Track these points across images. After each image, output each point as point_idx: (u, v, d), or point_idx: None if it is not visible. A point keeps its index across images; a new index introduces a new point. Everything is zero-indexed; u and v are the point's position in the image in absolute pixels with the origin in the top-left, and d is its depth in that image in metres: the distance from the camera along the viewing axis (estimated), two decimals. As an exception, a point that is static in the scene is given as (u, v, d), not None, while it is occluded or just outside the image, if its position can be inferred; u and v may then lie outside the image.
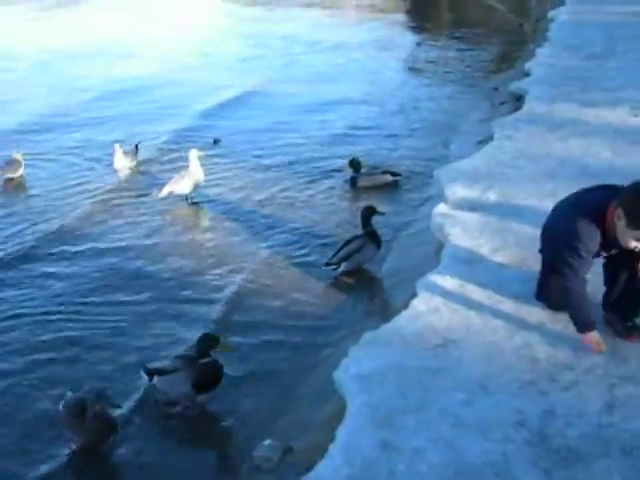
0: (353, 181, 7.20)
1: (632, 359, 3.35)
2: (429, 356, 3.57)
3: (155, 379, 4.13)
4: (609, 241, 3.39)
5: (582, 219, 3.38)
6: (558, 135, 6.62)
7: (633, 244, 3.29)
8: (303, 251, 5.96)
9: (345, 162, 7.35)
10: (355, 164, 7.19)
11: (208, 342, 4.06)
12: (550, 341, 3.56)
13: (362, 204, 6.09)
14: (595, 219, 3.37)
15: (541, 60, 10.22)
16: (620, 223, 3.27)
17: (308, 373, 4.40)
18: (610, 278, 3.63)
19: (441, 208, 5.45)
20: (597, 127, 6.79)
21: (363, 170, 7.22)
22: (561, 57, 10.25)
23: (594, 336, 3.42)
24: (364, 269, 5.55)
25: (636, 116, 6.89)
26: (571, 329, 3.59)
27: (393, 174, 7.25)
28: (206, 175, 7.21)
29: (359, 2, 21.11)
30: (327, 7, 20.75)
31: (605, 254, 3.52)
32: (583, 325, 3.46)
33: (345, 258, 5.42)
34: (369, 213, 5.57)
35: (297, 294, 5.28)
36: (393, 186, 7.22)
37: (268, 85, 11.63)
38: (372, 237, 5.50)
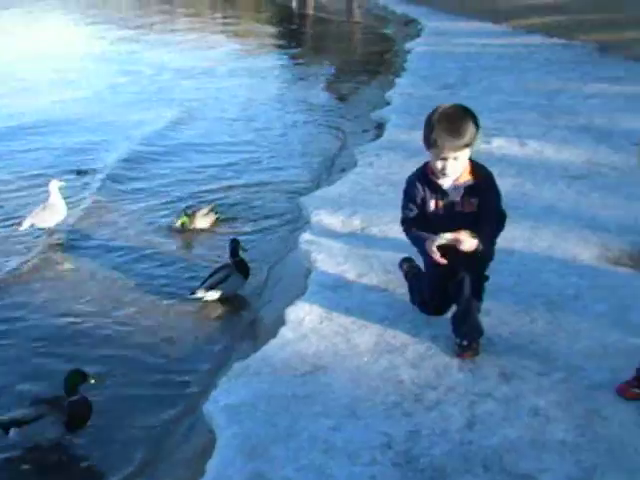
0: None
1: (491, 376, 3.49)
2: (298, 383, 3.59)
3: (13, 432, 3.91)
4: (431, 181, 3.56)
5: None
6: (417, 161, 6.76)
7: (439, 165, 3.44)
8: (168, 282, 5.85)
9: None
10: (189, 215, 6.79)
11: (76, 378, 3.93)
12: (414, 362, 3.65)
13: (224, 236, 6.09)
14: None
15: (400, 90, 10.64)
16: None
17: (177, 407, 4.31)
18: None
19: (307, 235, 5.52)
20: (453, 154, 7.09)
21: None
22: (418, 87, 10.70)
23: (429, 246, 3.49)
24: (232, 298, 5.52)
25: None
26: (434, 349, 3.73)
27: (216, 212, 6.99)
28: (70, 207, 6.98)
29: (229, 29, 21.23)
30: (197, 32, 20.75)
31: (433, 202, 3.60)
32: (421, 244, 3.57)
33: (211, 287, 5.37)
34: (236, 244, 5.58)
35: (164, 326, 5.16)
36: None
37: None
38: (239, 266, 5.49)
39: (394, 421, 3.23)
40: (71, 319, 5.31)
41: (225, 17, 27.67)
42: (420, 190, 3.60)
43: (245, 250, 5.70)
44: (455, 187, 3.53)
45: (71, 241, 6.74)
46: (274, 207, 7.39)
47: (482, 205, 3.52)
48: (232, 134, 10.38)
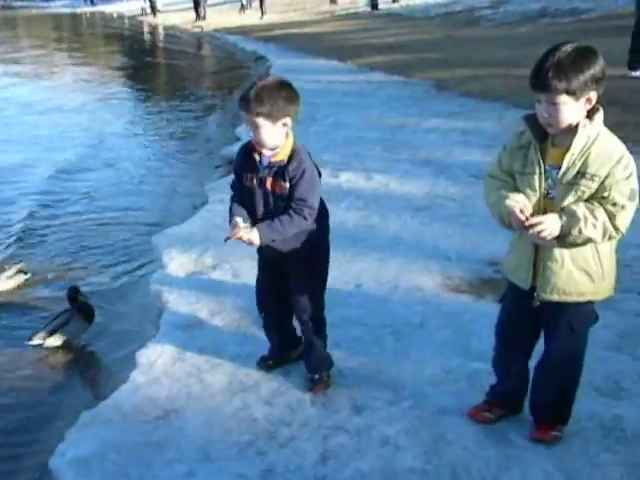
0: None
1: (343, 409, 3.56)
2: (150, 429, 3.50)
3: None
4: None
5: None
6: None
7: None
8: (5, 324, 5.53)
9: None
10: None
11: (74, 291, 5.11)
12: (267, 400, 3.66)
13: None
14: None
15: (250, 126, 10.71)
16: None
17: (22, 462, 4.06)
18: None
19: (159, 275, 5.44)
20: (303, 189, 7.22)
21: None
22: (268, 123, 10.81)
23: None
24: (79, 343, 5.29)
25: None
26: (286, 385, 3.76)
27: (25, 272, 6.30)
28: None
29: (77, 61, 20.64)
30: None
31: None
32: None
33: (52, 332, 5.10)
34: (73, 291, 5.30)
35: (2, 377, 4.86)
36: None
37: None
38: (81, 309, 5.24)
39: (248, 461, 3.22)
40: None
41: (72, 49, 26.96)
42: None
43: (86, 297, 5.36)
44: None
45: None
46: (123, 246, 7.20)
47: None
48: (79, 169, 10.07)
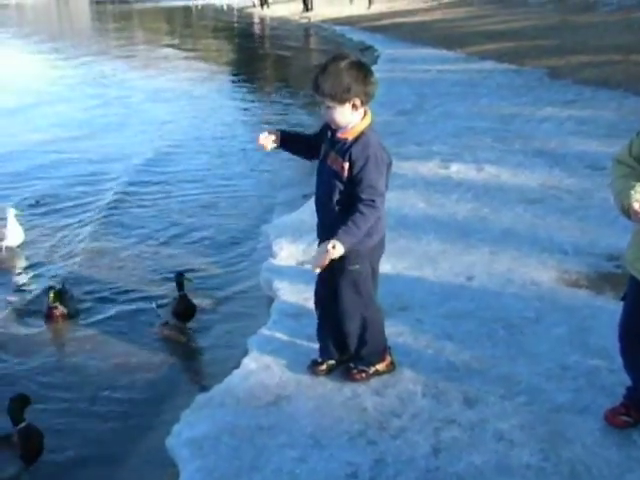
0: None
1: (455, 402, 3.50)
2: (262, 414, 3.56)
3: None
4: None
5: None
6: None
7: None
8: (130, 308, 5.75)
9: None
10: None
11: (19, 403, 3.89)
12: (377, 390, 3.65)
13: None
14: None
15: (358, 116, 10.72)
16: None
17: (139, 442, 4.21)
18: None
19: (269, 263, 5.52)
20: (412, 179, 7.18)
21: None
22: (377, 113, 10.56)
23: None
24: (194, 328, 5.44)
25: None
26: (397, 376, 3.73)
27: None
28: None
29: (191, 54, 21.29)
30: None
31: None
32: None
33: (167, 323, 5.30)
34: (180, 278, 5.38)
35: (121, 357, 5.06)
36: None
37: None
38: (178, 305, 5.29)
39: (359, 450, 3.22)
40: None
41: (184, 43, 27.77)
42: None
43: (191, 281, 5.47)
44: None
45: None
46: (233, 235, 7.36)
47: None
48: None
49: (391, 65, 15.92)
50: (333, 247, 3.24)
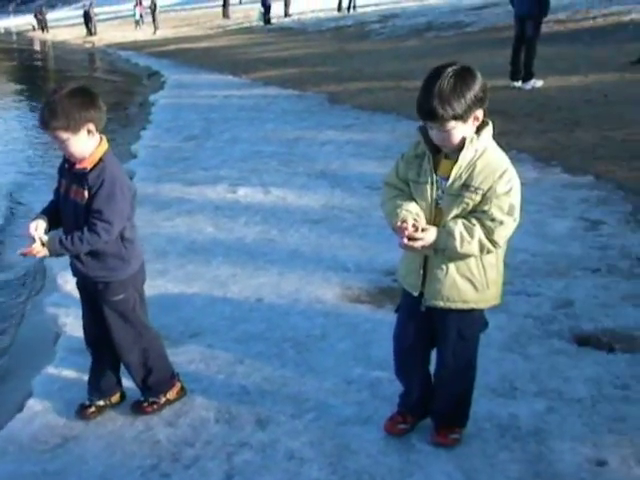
0: None
1: (247, 425, 3.54)
2: (48, 459, 3.39)
3: None
4: None
5: None
6: (165, 214, 6.87)
7: None
8: None
9: None
10: None
11: None
12: (170, 421, 3.61)
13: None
14: None
15: (146, 142, 10.62)
16: None
17: None
18: None
19: (54, 297, 5.28)
20: (200, 204, 7.21)
21: None
22: (164, 139, 10.74)
23: None
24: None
25: None
26: (188, 404, 3.71)
27: None
28: None
29: None
30: None
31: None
32: None
33: None
34: None
35: None
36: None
37: None
38: None
39: (150, 485, 3.16)
40: None
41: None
42: None
43: None
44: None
45: None
46: (14, 268, 6.93)
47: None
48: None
49: (178, 90, 15.89)
50: (43, 240, 3.23)
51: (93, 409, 3.70)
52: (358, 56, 18.31)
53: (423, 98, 2.75)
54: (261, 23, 32.18)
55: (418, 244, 2.82)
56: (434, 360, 3.27)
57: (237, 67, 18.36)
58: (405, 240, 2.82)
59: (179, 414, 3.66)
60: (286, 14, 33.93)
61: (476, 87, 2.76)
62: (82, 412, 3.70)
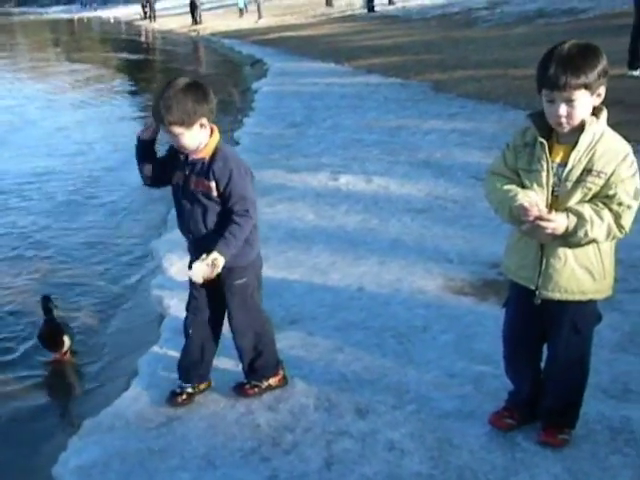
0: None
1: (347, 414, 3.53)
2: (153, 437, 3.47)
3: None
4: None
5: None
6: (267, 201, 6.92)
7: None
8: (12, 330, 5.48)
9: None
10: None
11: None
12: (270, 405, 3.63)
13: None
14: None
15: (248, 129, 10.75)
16: None
17: (25, 471, 4.02)
18: None
19: (159, 280, 5.41)
20: (302, 191, 7.23)
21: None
22: (266, 126, 10.85)
23: None
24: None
25: None
26: (289, 391, 3.72)
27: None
28: None
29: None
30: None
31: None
32: None
33: None
34: (45, 304, 5.13)
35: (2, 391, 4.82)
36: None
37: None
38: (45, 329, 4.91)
39: (252, 468, 3.19)
40: None
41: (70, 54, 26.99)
42: None
43: (56, 307, 5.01)
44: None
45: None
46: (121, 251, 7.16)
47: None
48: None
49: (280, 78, 16.02)
50: (214, 260, 3.25)
51: (184, 396, 3.74)
52: (464, 43, 17.93)
53: (548, 66, 2.65)
54: (365, 11, 32.03)
55: (550, 226, 2.71)
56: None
57: (339, 55, 18.33)
58: (533, 221, 2.71)
59: (279, 399, 3.68)
60: (390, 2, 33.65)
61: (603, 61, 2.67)
62: (173, 399, 3.73)
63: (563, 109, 2.69)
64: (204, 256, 3.29)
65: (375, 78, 14.65)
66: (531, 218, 2.72)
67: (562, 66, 2.62)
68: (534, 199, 2.76)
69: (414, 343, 4.15)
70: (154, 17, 41.46)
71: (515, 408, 3.28)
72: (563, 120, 2.72)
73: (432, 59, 15.84)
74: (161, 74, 22.68)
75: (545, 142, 2.80)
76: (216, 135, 3.40)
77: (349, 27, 26.99)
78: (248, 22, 33.53)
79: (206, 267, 3.28)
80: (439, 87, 12.62)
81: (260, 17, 34.43)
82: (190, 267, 3.40)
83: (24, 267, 6.61)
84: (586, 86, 2.64)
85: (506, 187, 2.87)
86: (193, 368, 3.75)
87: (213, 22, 35.26)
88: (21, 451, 4.17)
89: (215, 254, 3.26)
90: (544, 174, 2.80)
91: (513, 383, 3.30)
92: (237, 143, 9.89)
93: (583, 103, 2.68)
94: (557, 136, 2.81)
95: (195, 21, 36.62)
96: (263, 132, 10.44)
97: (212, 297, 3.57)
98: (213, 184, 3.32)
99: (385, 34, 22.64)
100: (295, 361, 4.00)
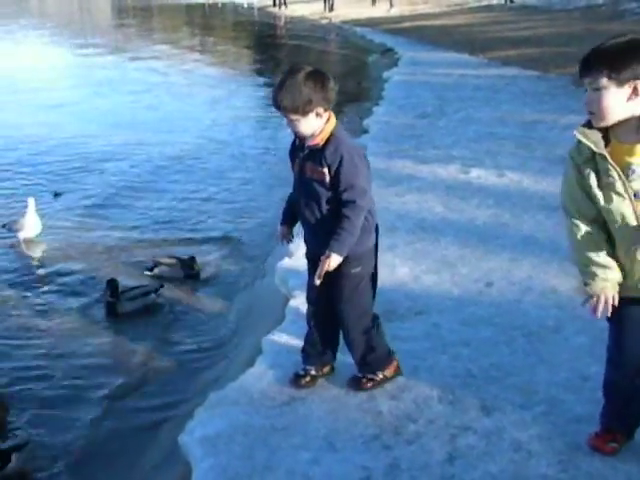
0: (110, 308, 5.74)
1: (471, 409, 3.45)
2: (276, 414, 3.52)
3: None
4: None
5: None
6: (395, 190, 6.88)
7: None
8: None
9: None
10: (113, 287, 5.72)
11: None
12: (393, 394, 3.60)
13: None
14: None
15: (378, 118, 10.71)
16: None
17: (152, 438, 4.21)
18: None
19: (285, 262, 5.48)
20: (431, 183, 7.13)
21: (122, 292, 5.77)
22: (396, 115, 10.77)
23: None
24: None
25: None
26: (413, 381, 3.68)
27: (156, 290, 5.88)
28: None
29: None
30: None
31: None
32: None
33: None
34: (112, 287, 5.59)
35: (141, 355, 5.06)
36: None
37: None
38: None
39: (373, 454, 3.18)
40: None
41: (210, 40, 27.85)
42: None
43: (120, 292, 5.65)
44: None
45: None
46: (251, 231, 7.35)
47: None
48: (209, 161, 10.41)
49: (412, 68, 15.85)
50: (328, 258, 3.29)
51: (308, 379, 3.76)
52: (608, 37, 17.10)
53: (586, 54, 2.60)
54: (502, 1, 31.21)
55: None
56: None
57: (474, 46, 17.93)
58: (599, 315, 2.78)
59: (402, 388, 3.65)
60: (529, -8, 32.59)
61: None
62: (296, 381, 3.76)
63: (587, 98, 2.64)
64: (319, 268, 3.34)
65: (511, 70, 14.24)
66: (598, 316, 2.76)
67: (591, 53, 2.59)
68: (611, 289, 2.75)
69: (545, 343, 4.01)
70: (285, 3, 42.03)
71: (617, 429, 3.08)
72: (589, 109, 2.65)
73: (573, 52, 15.16)
74: (290, 58, 23.01)
75: (604, 152, 2.64)
76: (332, 121, 3.38)
77: (485, 17, 26.35)
78: (380, 10, 33.33)
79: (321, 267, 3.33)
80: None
81: (392, 6, 34.19)
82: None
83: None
84: (610, 75, 2.53)
85: (584, 248, 2.77)
86: (316, 355, 3.77)
87: (345, 10, 35.29)
88: (149, 418, 4.39)
89: (329, 253, 3.29)
90: (619, 184, 2.62)
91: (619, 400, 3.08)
92: (366, 131, 9.89)
93: (607, 93, 2.57)
94: (615, 138, 2.65)
95: (328, 8, 36.81)
96: (392, 121, 10.38)
97: (329, 286, 3.54)
98: (325, 170, 3.31)
99: (523, 25, 21.94)
100: (420, 352, 3.96)
